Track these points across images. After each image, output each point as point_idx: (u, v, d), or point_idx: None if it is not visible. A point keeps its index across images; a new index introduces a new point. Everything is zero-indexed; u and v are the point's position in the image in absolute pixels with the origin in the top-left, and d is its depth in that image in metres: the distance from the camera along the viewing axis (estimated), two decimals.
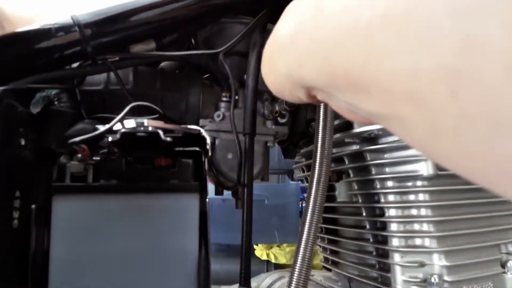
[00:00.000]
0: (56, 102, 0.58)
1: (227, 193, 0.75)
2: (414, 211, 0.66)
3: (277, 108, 0.75)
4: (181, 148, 0.60)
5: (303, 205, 3.43)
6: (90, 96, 0.65)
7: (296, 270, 0.55)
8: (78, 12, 0.54)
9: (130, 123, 0.53)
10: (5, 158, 0.46)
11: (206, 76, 0.79)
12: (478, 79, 0.15)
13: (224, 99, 0.72)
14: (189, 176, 0.62)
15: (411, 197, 0.66)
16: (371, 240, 0.74)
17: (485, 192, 0.69)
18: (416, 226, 0.66)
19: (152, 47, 0.62)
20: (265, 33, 0.70)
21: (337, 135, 0.71)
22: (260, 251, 3.00)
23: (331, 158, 0.60)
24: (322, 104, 0.59)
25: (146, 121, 0.53)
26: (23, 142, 0.49)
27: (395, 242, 0.67)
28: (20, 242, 0.50)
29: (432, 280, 0.63)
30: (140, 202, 0.58)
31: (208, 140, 0.59)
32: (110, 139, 0.53)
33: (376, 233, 0.72)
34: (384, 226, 0.70)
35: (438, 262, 0.64)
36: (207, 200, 0.59)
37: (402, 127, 0.21)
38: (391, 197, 0.68)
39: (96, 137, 0.53)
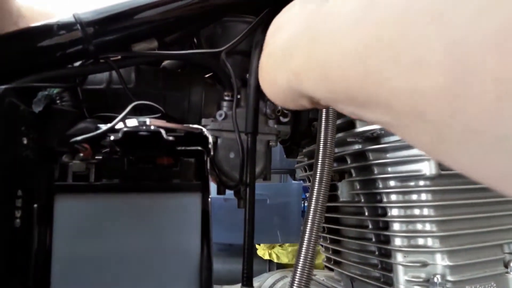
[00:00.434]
0: (58, 101, 0.58)
1: (229, 193, 0.75)
2: (416, 211, 0.66)
3: (279, 108, 0.74)
4: (183, 147, 0.60)
5: (305, 204, 3.43)
6: (92, 95, 0.65)
7: (299, 269, 0.55)
8: (81, 10, 0.54)
9: (132, 122, 0.53)
10: (7, 157, 0.46)
11: (208, 75, 0.79)
12: (474, 102, 0.16)
13: (226, 98, 0.72)
14: (191, 175, 0.62)
15: (414, 196, 0.66)
16: (373, 239, 0.74)
17: (488, 192, 0.69)
18: (419, 226, 0.66)
19: (155, 46, 0.62)
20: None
21: (340, 135, 0.71)
22: (262, 250, 3.00)
23: (333, 158, 0.60)
24: None
25: (148, 120, 0.53)
26: (25, 141, 0.49)
27: (397, 241, 0.66)
28: (22, 241, 0.50)
29: (435, 280, 0.63)
30: (142, 202, 0.58)
31: (210, 139, 0.59)
32: (112, 138, 0.53)
33: (379, 233, 0.71)
34: (386, 226, 0.69)
35: (440, 262, 0.64)
36: (209, 199, 0.59)
37: (407, 134, 0.22)
38: (393, 197, 0.68)
39: (98, 136, 0.53)
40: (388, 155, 0.68)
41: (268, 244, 2.99)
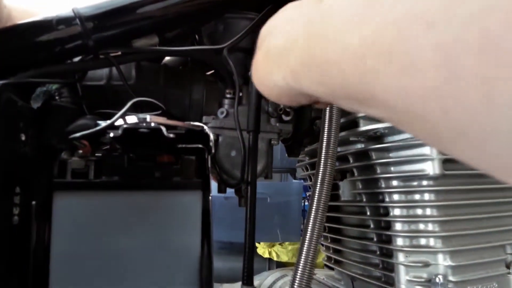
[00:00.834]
0: (57, 97, 0.57)
1: (230, 191, 0.75)
2: (419, 211, 0.65)
3: (281, 106, 0.74)
4: (184, 145, 0.60)
5: (306, 203, 3.44)
6: (92, 91, 0.65)
7: (300, 268, 0.55)
8: (80, 5, 0.53)
9: (132, 119, 0.52)
10: (5, 154, 0.46)
11: (210, 72, 0.78)
12: (463, 102, 0.18)
13: (228, 96, 0.72)
14: (191, 173, 0.61)
15: (416, 196, 0.65)
16: (375, 239, 0.73)
17: (491, 192, 0.68)
18: (421, 226, 0.65)
19: (155, 42, 0.61)
20: None
21: (342, 134, 0.71)
22: (262, 249, 3.01)
23: (336, 157, 0.59)
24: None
25: (148, 117, 0.52)
26: (23, 138, 0.49)
27: (399, 241, 0.66)
28: (20, 238, 0.49)
29: (437, 280, 0.62)
30: (142, 199, 0.57)
31: (211, 137, 0.58)
32: (111, 135, 0.52)
33: (380, 233, 0.71)
34: (388, 226, 0.69)
35: (442, 262, 0.64)
36: (210, 197, 0.58)
37: (406, 127, 0.24)
38: (396, 197, 0.67)
39: (97, 133, 0.53)
40: (391, 155, 0.68)
41: (268, 242, 2.99)
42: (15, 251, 0.49)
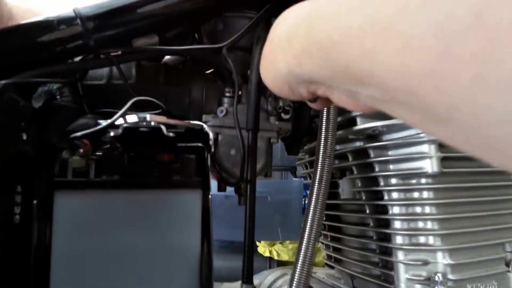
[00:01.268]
0: (58, 97, 0.58)
1: (230, 190, 0.75)
2: (418, 209, 0.65)
3: (280, 104, 0.74)
4: (183, 144, 0.60)
5: (306, 202, 3.43)
6: (92, 90, 0.65)
7: (298, 267, 0.55)
8: (80, 5, 0.54)
9: (132, 118, 0.53)
10: (6, 153, 0.46)
11: (209, 71, 0.79)
12: (456, 80, 0.18)
13: (227, 94, 0.72)
14: (191, 172, 0.61)
15: (415, 194, 0.66)
16: (374, 237, 0.73)
17: (490, 190, 0.68)
18: (420, 224, 0.65)
19: (155, 41, 0.61)
20: (269, 28, 0.69)
21: (341, 132, 0.71)
22: (262, 248, 3.01)
23: (334, 155, 0.60)
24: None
25: (148, 116, 0.53)
26: (24, 137, 0.49)
27: (398, 240, 0.66)
28: (21, 237, 0.50)
29: (436, 278, 0.62)
30: (142, 198, 0.57)
31: (211, 136, 0.58)
32: (112, 134, 0.52)
33: (380, 231, 0.71)
34: (387, 224, 0.69)
35: (442, 260, 0.64)
36: (210, 196, 0.59)
37: (401, 111, 0.24)
38: (395, 195, 0.67)
39: (98, 132, 0.53)
40: (389, 153, 0.68)
41: (268, 241, 2.99)
42: (17, 250, 0.49)
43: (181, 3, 0.59)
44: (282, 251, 2.94)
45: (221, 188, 0.74)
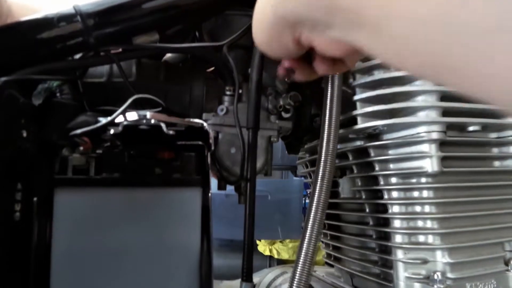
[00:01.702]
0: (58, 94, 0.58)
1: (230, 188, 0.75)
2: (417, 208, 0.65)
3: (281, 103, 0.74)
4: (184, 142, 0.60)
5: (306, 201, 3.44)
6: (93, 88, 0.65)
7: (299, 265, 0.55)
8: (81, 2, 0.54)
9: (132, 116, 0.53)
10: (6, 150, 0.46)
11: (210, 69, 0.79)
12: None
13: (227, 93, 0.72)
14: (191, 170, 0.61)
15: (415, 193, 0.66)
16: (374, 236, 0.74)
17: (490, 190, 0.69)
18: (420, 223, 0.65)
19: (156, 39, 0.61)
20: None
21: (341, 131, 0.71)
22: (263, 246, 3.01)
23: (336, 154, 0.59)
24: (329, 98, 0.58)
25: (148, 114, 0.53)
26: (24, 134, 0.49)
27: (398, 238, 0.66)
28: (22, 234, 0.50)
29: (435, 277, 0.62)
30: (142, 196, 0.58)
31: (211, 134, 0.58)
32: (112, 131, 0.52)
33: (379, 230, 0.71)
34: (387, 223, 0.69)
35: (441, 259, 0.64)
36: (210, 194, 0.59)
37: (369, 42, 0.30)
38: (394, 194, 0.67)
39: (98, 130, 0.53)
40: (389, 152, 0.68)
41: (269, 240, 3.00)
42: (17, 247, 0.49)
43: (182, 1, 0.59)
44: (282, 250, 2.95)
45: (221, 187, 0.74)
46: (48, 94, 0.56)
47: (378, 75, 0.65)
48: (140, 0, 0.56)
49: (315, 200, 0.57)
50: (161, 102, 0.63)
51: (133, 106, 0.55)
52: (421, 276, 0.64)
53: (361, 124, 0.67)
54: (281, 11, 0.37)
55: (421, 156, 0.63)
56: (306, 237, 0.56)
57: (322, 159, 0.58)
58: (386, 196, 0.68)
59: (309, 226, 0.56)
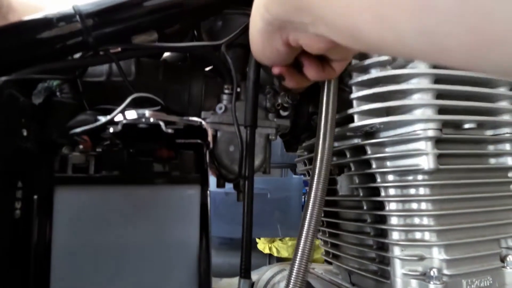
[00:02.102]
0: (58, 93, 0.58)
1: (230, 187, 0.75)
2: (414, 205, 0.66)
3: (279, 101, 0.74)
4: (182, 140, 0.60)
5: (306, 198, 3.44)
6: (92, 87, 0.65)
7: (296, 262, 0.55)
8: (80, 2, 0.54)
9: (131, 115, 0.53)
10: (7, 149, 0.47)
11: (208, 68, 0.79)
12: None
13: (226, 91, 0.72)
14: (190, 168, 0.62)
15: (412, 191, 0.66)
16: (371, 233, 0.74)
17: (486, 187, 0.69)
18: (416, 220, 0.66)
19: (155, 38, 0.62)
20: None
21: (338, 129, 0.71)
22: (262, 244, 3.01)
23: (332, 152, 0.60)
24: (325, 96, 0.59)
25: (147, 113, 0.53)
26: (25, 133, 0.50)
27: (395, 235, 0.67)
28: (22, 232, 0.50)
29: (432, 273, 0.63)
30: (141, 194, 0.58)
31: (210, 132, 0.59)
32: (111, 130, 0.53)
33: (377, 227, 0.72)
34: (384, 220, 0.70)
35: (437, 255, 0.64)
36: (208, 192, 0.59)
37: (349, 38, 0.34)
38: (391, 191, 0.68)
39: (97, 128, 0.54)
40: (386, 150, 0.69)
41: (268, 238, 3.00)
42: (17, 244, 0.50)
43: (181, 0, 0.60)
44: (281, 248, 2.95)
45: (220, 184, 0.75)
46: (48, 93, 0.56)
47: (374, 73, 0.66)
48: (138, 0, 0.57)
49: (312, 196, 0.57)
50: (160, 100, 0.63)
51: (132, 105, 0.56)
52: (417, 273, 0.65)
53: (357, 122, 0.68)
54: (267, 17, 0.41)
55: (417, 153, 0.64)
56: (303, 234, 0.56)
57: (319, 157, 0.59)
58: (383, 194, 0.69)
59: (306, 223, 0.56)
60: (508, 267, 0.68)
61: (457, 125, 0.67)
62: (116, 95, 0.64)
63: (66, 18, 0.53)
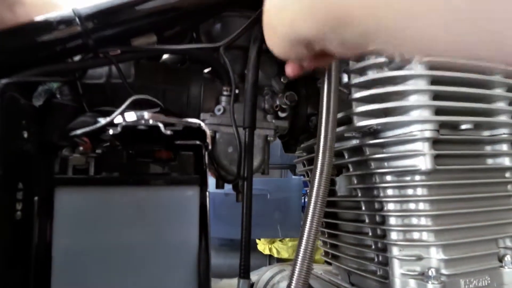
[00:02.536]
0: (58, 95, 0.59)
1: (230, 187, 0.76)
2: (412, 205, 0.66)
3: (277, 103, 0.75)
4: (182, 142, 0.61)
5: (306, 199, 3.44)
6: (92, 89, 0.66)
7: (298, 262, 0.55)
8: (80, 5, 0.55)
9: (131, 117, 0.53)
10: (8, 151, 0.47)
11: (207, 70, 0.79)
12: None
13: (225, 93, 0.73)
14: (189, 169, 0.62)
15: (410, 191, 0.66)
16: (370, 234, 0.74)
17: (483, 187, 0.69)
18: (414, 220, 0.66)
19: (154, 41, 0.62)
20: None
21: (337, 130, 0.72)
22: (262, 245, 3.01)
23: (333, 151, 0.60)
24: (325, 94, 0.59)
25: (146, 114, 0.53)
26: (25, 135, 0.50)
27: (393, 236, 0.67)
28: (23, 233, 0.51)
29: (430, 273, 0.63)
30: (141, 195, 0.58)
31: (208, 134, 0.59)
32: (111, 132, 0.53)
33: (375, 227, 0.72)
34: (383, 220, 0.70)
35: (435, 255, 0.65)
36: (207, 193, 0.59)
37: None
38: (390, 191, 0.68)
39: (97, 130, 0.54)
40: (384, 150, 0.69)
41: (268, 239, 3.00)
42: (18, 246, 0.50)
43: (180, 3, 0.60)
44: (281, 248, 2.95)
45: (219, 185, 0.75)
46: (48, 96, 0.57)
47: (372, 75, 0.66)
48: (138, 2, 0.57)
49: (313, 197, 0.57)
50: (159, 102, 0.64)
51: (132, 107, 0.56)
52: (416, 273, 0.65)
53: (356, 123, 0.68)
54: (294, 36, 0.40)
55: (414, 154, 0.64)
56: (305, 234, 0.56)
57: (320, 156, 0.58)
58: (381, 194, 0.69)
59: (308, 223, 0.56)
60: (506, 267, 0.69)
61: (454, 126, 0.68)
62: (115, 97, 0.64)
63: (66, 21, 0.54)
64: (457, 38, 0.27)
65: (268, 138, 0.74)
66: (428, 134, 0.63)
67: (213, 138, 0.71)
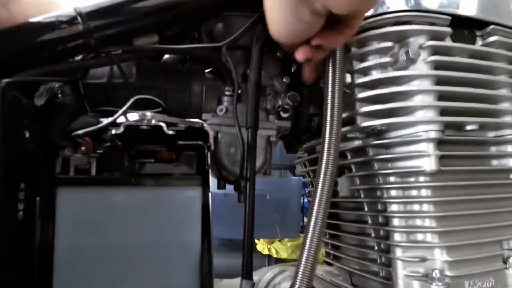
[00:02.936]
0: (59, 95, 0.58)
1: (229, 188, 0.75)
2: (416, 207, 0.66)
3: (280, 103, 0.74)
4: (184, 142, 0.60)
5: (305, 200, 3.44)
6: (94, 89, 0.65)
7: (302, 262, 0.54)
8: (81, 4, 0.54)
9: (133, 116, 0.53)
10: (9, 150, 0.46)
11: (209, 70, 0.79)
12: None
13: (227, 93, 0.72)
14: (191, 169, 0.62)
15: (414, 192, 0.66)
16: (373, 235, 0.74)
17: (487, 188, 0.69)
18: (418, 222, 0.66)
19: (155, 40, 0.62)
20: None
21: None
22: (261, 245, 3.02)
23: (338, 151, 0.59)
24: (329, 94, 0.59)
25: (149, 114, 0.53)
26: (27, 135, 0.49)
27: (397, 237, 0.67)
28: (25, 233, 0.50)
29: (434, 275, 0.63)
30: (143, 195, 0.58)
31: (211, 134, 0.59)
32: (113, 132, 0.53)
33: (378, 228, 0.72)
34: (386, 221, 0.70)
35: (439, 257, 0.64)
36: (210, 193, 0.59)
37: None
38: (393, 192, 0.68)
39: (99, 130, 0.54)
40: (388, 151, 0.69)
41: (267, 239, 3.00)
42: (20, 246, 0.50)
43: (182, 2, 0.60)
44: (280, 249, 2.96)
45: (220, 186, 0.75)
46: (50, 95, 0.56)
47: (376, 75, 0.66)
48: (139, 2, 0.57)
49: (318, 197, 0.57)
50: (161, 102, 0.63)
51: (134, 107, 0.56)
52: (419, 274, 0.65)
53: (360, 124, 0.68)
54: None
55: (419, 155, 0.64)
56: (309, 234, 0.55)
57: (325, 156, 0.58)
58: (385, 195, 0.69)
59: (312, 223, 0.56)
60: (510, 269, 0.69)
61: (459, 127, 0.67)
62: (117, 97, 0.64)
63: (67, 21, 0.53)
64: None
65: (271, 139, 0.74)
66: (433, 134, 0.63)
67: (215, 138, 0.71)
